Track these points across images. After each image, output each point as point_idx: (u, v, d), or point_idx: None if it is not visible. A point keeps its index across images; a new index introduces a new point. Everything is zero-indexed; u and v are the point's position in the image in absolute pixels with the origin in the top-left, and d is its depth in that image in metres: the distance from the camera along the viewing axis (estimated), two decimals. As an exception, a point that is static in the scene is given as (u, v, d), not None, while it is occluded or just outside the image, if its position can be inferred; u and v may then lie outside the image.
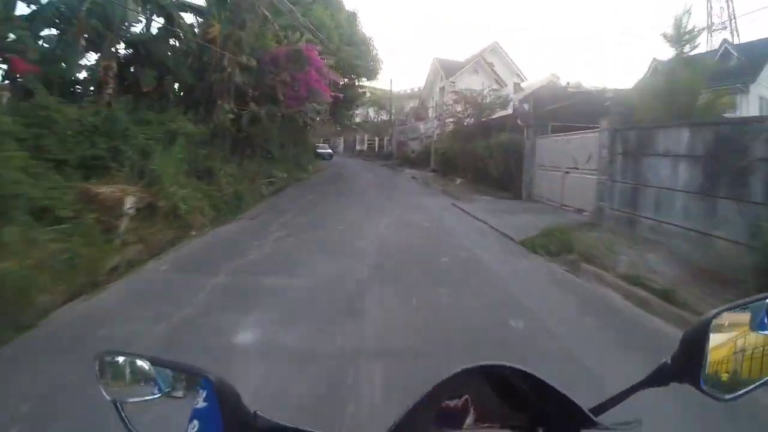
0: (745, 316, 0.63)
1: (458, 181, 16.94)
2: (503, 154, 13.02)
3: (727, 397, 0.61)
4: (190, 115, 9.72)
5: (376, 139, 40.92)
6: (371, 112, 43.28)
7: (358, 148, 45.19)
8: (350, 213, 9.50)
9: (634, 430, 0.64)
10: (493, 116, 17.44)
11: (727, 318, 0.62)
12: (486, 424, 0.70)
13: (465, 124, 18.48)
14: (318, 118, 15.16)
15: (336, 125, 24.35)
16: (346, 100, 20.69)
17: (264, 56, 10.91)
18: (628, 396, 0.66)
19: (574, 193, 10.32)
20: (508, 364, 0.66)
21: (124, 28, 10.05)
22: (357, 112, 50.49)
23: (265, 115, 10.68)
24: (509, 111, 17.03)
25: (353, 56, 20.06)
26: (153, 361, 0.62)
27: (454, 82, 30.09)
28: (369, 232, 7.43)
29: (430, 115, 34.43)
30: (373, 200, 11.90)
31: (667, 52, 7.47)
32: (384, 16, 79.90)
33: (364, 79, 22.87)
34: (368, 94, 45.99)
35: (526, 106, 13.03)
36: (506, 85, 30.60)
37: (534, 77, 30.21)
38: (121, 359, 0.64)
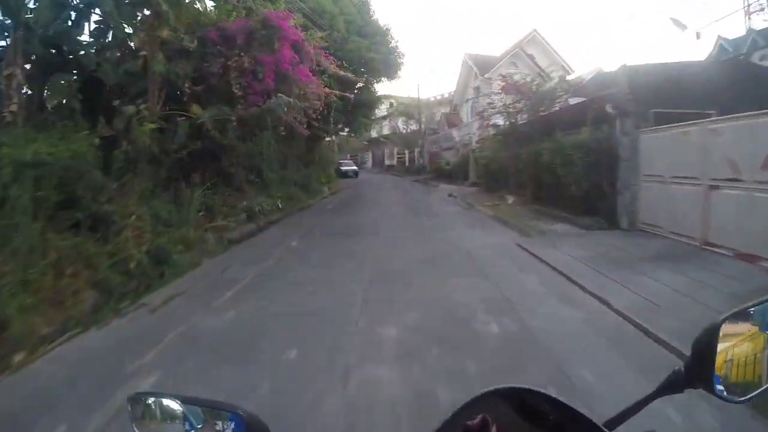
0: (753, 319, 0.63)
1: (510, 199, 12.62)
2: (584, 159, 8.61)
3: (741, 399, 0.62)
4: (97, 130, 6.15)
5: (406, 152, 37.02)
6: (400, 123, 39.55)
7: (387, 162, 41.44)
8: (344, 290, 4.94)
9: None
10: (556, 107, 13.05)
11: (735, 322, 0.62)
12: None
13: (515, 121, 14.04)
14: (315, 122, 11.14)
15: (351, 135, 20.57)
16: (361, 103, 16.91)
17: (210, 34, 7.25)
18: (644, 406, 0.67)
19: (733, 224, 5.84)
20: (525, 386, 0.67)
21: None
22: (384, 123, 47.35)
23: (210, 122, 6.82)
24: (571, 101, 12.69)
25: (365, 48, 16.27)
26: (183, 400, 0.62)
27: (490, 78, 25.79)
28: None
29: (464, 119, 30.20)
30: (394, 243, 7.69)
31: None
32: (404, 10, 75.80)
33: (383, 79, 19.01)
34: (393, 104, 42.75)
35: (615, 90, 8.64)
36: (552, 79, 26.00)
37: (581, 68, 25.45)
38: (151, 399, 0.64)
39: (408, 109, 37.73)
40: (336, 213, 12.59)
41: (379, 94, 19.71)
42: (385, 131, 42.89)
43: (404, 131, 39.05)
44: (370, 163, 45.88)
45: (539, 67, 26.77)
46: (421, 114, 34.17)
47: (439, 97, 39.03)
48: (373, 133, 48.12)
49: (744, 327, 0.63)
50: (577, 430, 0.65)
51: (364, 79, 18.11)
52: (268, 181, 12.31)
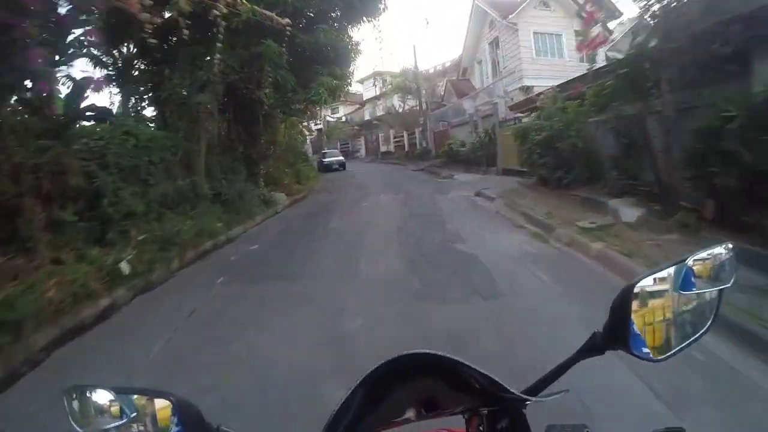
0: (668, 279, 0.65)
1: (630, 213, 6.00)
2: None
3: (660, 357, 0.64)
4: None
5: (405, 134, 30.12)
6: (395, 101, 32.61)
7: (382, 149, 34.54)
8: None
9: (560, 396, 0.66)
10: None
11: (649, 282, 0.64)
12: (431, 413, 0.71)
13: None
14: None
15: (309, 106, 13.74)
16: (322, 54, 10.07)
17: None
18: (565, 370, 0.68)
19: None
20: (433, 352, 0.65)
21: None
22: (378, 103, 40.49)
23: None
24: None
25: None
26: (116, 390, 0.63)
27: (515, 24, 18.80)
28: None
29: (477, 85, 23.30)
30: None
31: None
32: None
33: (364, 20, 12.05)
34: (387, 80, 35.83)
35: None
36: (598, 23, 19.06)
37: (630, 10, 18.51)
38: (87, 392, 0.64)
39: (404, 83, 30.82)
40: (247, 277, 5.65)
41: (358, 44, 12.72)
42: (380, 113, 36.01)
43: (401, 110, 32.16)
44: (363, 151, 39.01)
45: (578, 3, 19.80)
46: (420, 85, 27.18)
47: (440, 68, 31.99)
48: (366, 115, 41.32)
49: (658, 287, 0.64)
50: (494, 397, 0.67)
51: (333, 18, 11.26)
52: (114, 213, 5.63)
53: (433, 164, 21.46)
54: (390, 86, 32.49)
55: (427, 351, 0.66)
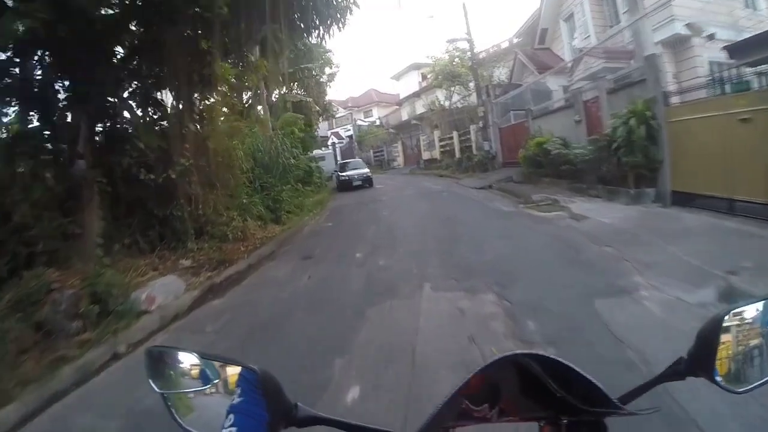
0: (757, 312, 0.65)
1: None
2: None
3: (741, 390, 0.64)
4: None
5: (455, 135, 22.21)
6: (440, 94, 24.85)
7: (425, 155, 26.71)
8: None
9: (651, 414, 0.65)
10: None
11: (740, 314, 0.65)
12: (509, 418, 0.71)
13: None
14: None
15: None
16: None
17: None
18: (649, 389, 0.68)
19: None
20: (535, 352, 0.65)
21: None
22: (417, 100, 32.63)
23: None
24: None
25: None
26: (201, 355, 0.63)
27: None
28: None
29: (564, 53, 15.11)
30: None
31: None
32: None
33: None
34: (425, 74, 28.00)
35: None
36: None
37: None
38: (169, 353, 0.65)
39: (450, 67, 23.03)
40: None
41: None
42: (422, 108, 28.33)
43: (448, 104, 24.32)
44: (401, 159, 31.32)
45: None
46: (475, 60, 19.22)
47: (496, 48, 23.81)
48: (404, 115, 33.75)
49: (747, 320, 0.65)
50: (584, 402, 0.65)
51: None
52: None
53: (504, 178, 13.46)
54: (433, 73, 24.71)
55: (537, 353, 0.65)
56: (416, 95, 31.49)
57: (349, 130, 45.10)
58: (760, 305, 0.65)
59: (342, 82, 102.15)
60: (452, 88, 23.97)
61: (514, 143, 14.95)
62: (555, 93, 14.92)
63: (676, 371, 0.66)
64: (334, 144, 47.03)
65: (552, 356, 0.65)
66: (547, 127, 12.39)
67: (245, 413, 0.58)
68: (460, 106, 23.36)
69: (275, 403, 0.60)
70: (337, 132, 49.24)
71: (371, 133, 37.88)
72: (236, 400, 0.59)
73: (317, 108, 27.70)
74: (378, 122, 41.80)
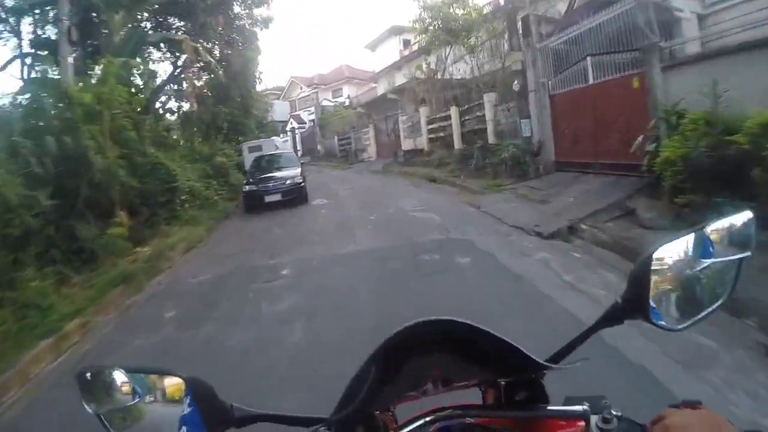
0: (687, 248, 0.64)
1: None
2: None
3: (680, 327, 0.65)
4: None
5: (454, 112, 14.14)
6: (429, 62, 16.71)
7: (406, 145, 18.46)
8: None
9: (579, 364, 0.66)
10: None
11: (668, 251, 0.63)
12: (447, 386, 0.71)
13: None
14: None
15: None
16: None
17: None
18: (585, 339, 0.68)
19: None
20: (456, 318, 0.63)
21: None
22: (398, 72, 23.98)
23: None
24: None
25: None
26: (127, 369, 0.63)
27: None
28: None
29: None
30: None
31: None
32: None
33: None
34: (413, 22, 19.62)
35: None
36: None
37: None
38: (98, 372, 0.65)
39: (443, 16, 15.04)
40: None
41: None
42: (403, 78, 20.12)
43: (442, 73, 16.30)
44: (372, 149, 22.94)
45: None
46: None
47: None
48: (380, 89, 25.41)
49: (677, 256, 0.64)
50: (515, 365, 0.66)
51: None
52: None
53: (605, 205, 5.57)
54: (420, 26, 16.51)
55: (446, 318, 0.64)
56: (396, 67, 23.42)
57: (313, 113, 36.56)
58: (689, 239, 0.64)
59: (302, 51, 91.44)
60: (448, 49, 15.94)
61: (590, 124, 7.10)
62: (685, 24, 7.15)
63: (612, 316, 0.66)
64: (293, 130, 38.51)
65: (466, 321, 0.63)
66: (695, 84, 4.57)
67: (192, 423, 0.59)
68: (461, 77, 15.41)
69: (209, 408, 0.60)
70: (299, 115, 40.55)
71: (337, 115, 29.47)
72: (186, 410, 0.59)
73: (251, 73, 19.27)
74: (347, 102, 33.41)
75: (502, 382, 0.71)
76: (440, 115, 15.38)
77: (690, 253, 0.64)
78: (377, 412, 0.71)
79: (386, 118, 21.07)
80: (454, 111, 14.01)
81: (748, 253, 0.64)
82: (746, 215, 0.65)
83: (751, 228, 0.65)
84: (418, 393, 0.71)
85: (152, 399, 0.62)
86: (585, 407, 0.60)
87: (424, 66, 16.60)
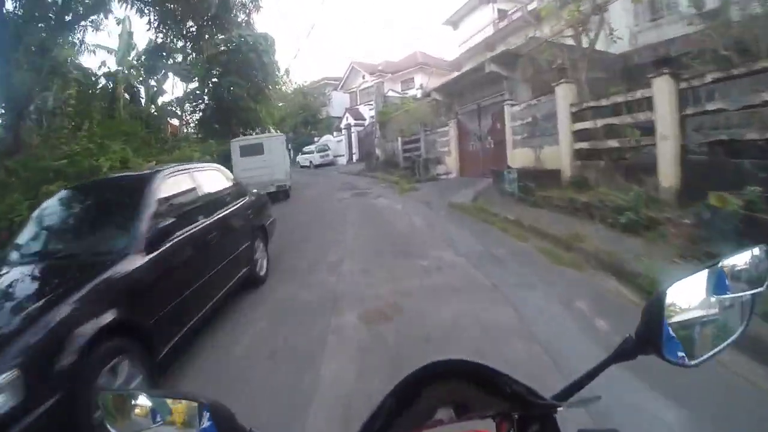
0: (700, 284, 0.64)
1: None
2: None
3: (692, 363, 0.64)
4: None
5: (666, 96, 5.98)
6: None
7: (515, 160, 10.44)
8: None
9: (592, 403, 0.69)
10: None
11: (682, 287, 0.64)
12: (462, 416, 0.72)
13: None
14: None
15: None
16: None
17: None
18: (596, 375, 0.68)
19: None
20: (464, 359, 0.68)
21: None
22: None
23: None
24: None
25: None
26: (150, 394, 0.65)
27: None
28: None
29: None
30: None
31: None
32: None
33: None
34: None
35: None
36: None
37: None
38: (120, 395, 0.69)
39: None
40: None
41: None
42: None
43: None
44: (452, 160, 14.99)
45: None
46: None
47: None
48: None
49: (691, 291, 0.64)
50: (525, 402, 0.68)
51: None
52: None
53: None
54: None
55: (458, 358, 0.68)
56: (488, 46, 15.68)
57: (371, 105, 29.45)
58: (703, 275, 0.64)
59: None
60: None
61: None
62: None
63: (624, 352, 0.66)
64: (349, 127, 31.63)
65: (482, 362, 0.67)
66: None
67: None
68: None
69: (228, 431, 0.61)
70: (357, 110, 33.61)
71: (404, 107, 21.91)
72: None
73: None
74: (418, 91, 25.79)
75: (516, 416, 0.72)
76: (603, 103, 7.21)
77: (704, 289, 0.64)
78: None
79: (479, 110, 13.10)
80: (664, 86, 5.80)
81: (762, 288, 0.65)
82: (760, 249, 0.66)
83: (765, 263, 0.65)
84: (433, 422, 0.71)
85: (172, 423, 0.62)
86: None
87: (574, 11, 8.43)
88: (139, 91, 14.76)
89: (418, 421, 0.71)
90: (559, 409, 0.68)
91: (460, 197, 9.80)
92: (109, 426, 0.65)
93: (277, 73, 16.17)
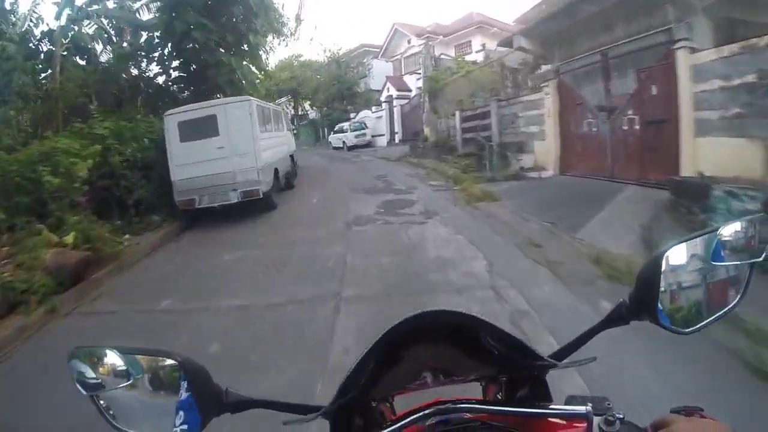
0: (699, 249, 0.62)
1: None
2: None
3: (687, 330, 0.63)
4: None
5: None
6: None
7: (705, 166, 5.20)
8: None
9: (586, 364, 0.67)
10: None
11: (680, 252, 0.62)
12: (448, 379, 0.71)
13: None
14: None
15: None
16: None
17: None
18: (589, 338, 0.67)
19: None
20: (463, 311, 0.64)
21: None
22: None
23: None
24: None
25: None
26: (121, 350, 0.61)
27: None
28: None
29: None
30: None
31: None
32: None
33: None
34: None
35: None
36: None
37: None
38: (91, 352, 0.63)
39: None
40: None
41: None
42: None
43: None
44: (552, 148, 9.66)
45: None
46: None
47: None
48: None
49: (687, 257, 0.62)
50: (520, 360, 0.66)
51: None
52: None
53: None
54: None
55: (453, 310, 0.64)
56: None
57: (419, 73, 24.07)
58: (701, 241, 0.63)
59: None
60: None
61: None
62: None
63: (618, 316, 0.65)
64: (391, 100, 26.29)
65: (477, 315, 0.63)
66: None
67: (188, 408, 0.58)
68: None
69: (202, 391, 0.59)
70: (402, 80, 28.15)
71: (461, 71, 16.39)
72: (183, 395, 0.58)
73: None
74: (479, 54, 20.19)
75: (504, 378, 0.72)
76: None
77: (701, 256, 0.63)
78: (375, 403, 0.71)
79: (605, 63, 7.62)
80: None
81: (760, 258, 0.63)
82: (759, 219, 0.65)
83: (764, 232, 0.64)
84: (417, 385, 0.70)
85: (145, 381, 0.60)
86: (588, 408, 0.57)
87: None
88: (94, 50, 10.53)
89: (402, 381, 0.70)
90: (551, 370, 0.67)
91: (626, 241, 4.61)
92: (78, 384, 0.60)
93: (276, 17, 11.28)
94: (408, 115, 21.89)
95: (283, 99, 43.07)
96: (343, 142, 24.11)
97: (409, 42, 28.95)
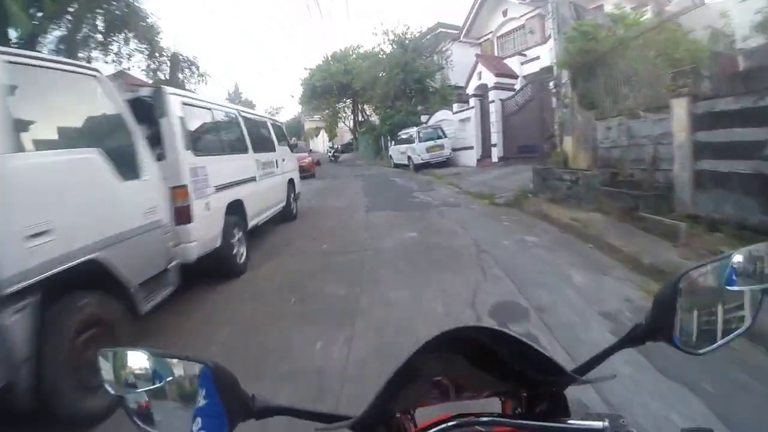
0: (713, 274, 0.65)
1: None
2: None
3: (701, 351, 0.65)
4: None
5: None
6: None
7: None
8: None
9: (606, 381, 0.68)
10: None
11: (695, 277, 0.65)
12: (466, 394, 0.72)
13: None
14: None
15: None
16: None
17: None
18: (607, 357, 0.69)
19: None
20: (486, 326, 0.64)
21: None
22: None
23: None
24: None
25: None
26: (151, 353, 0.62)
27: None
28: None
29: None
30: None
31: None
32: None
33: None
34: None
35: None
36: None
37: None
38: (120, 353, 0.64)
39: None
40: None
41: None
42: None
43: None
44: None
45: None
46: None
47: None
48: None
49: (703, 281, 0.65)
50: (541, 376, 0.66)
51: None
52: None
53: None
54: None
55: (484, 326, 0.64)
56: None
57: (532, 59, 15.52)
58: (714, 266, 0.65)
59: None
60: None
61: None
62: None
63: (634, 337, 0.67)
64: (485, 91, 17.55)
65: (503, 330, 0.64)
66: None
67: (209, 414, 0.58)
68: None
69: (231, 397, 0.60)
70: (499, 62, 19.64)
71: (635, 23, 7.95)
72: (201, 402, 0.58)
73: None
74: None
75: (524, 394, 0.72)
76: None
77: (715, 280, 0.65)
78: (398, 414, 0.72)
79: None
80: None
81: None
82: None
83: None
84: (438, 397, 0.71)
85: (174, 384, 0.60)
86: (605, 424, 0.59)
87: None
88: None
89: (422, 395, 0.71)
90: (567, 386, 0.68)
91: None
92: (106, 384, 0.62)
93: None
94: (514, 116, 13.48)
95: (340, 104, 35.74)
96: (409, 157, 16.34)
97: (504, 13, 20.44)
